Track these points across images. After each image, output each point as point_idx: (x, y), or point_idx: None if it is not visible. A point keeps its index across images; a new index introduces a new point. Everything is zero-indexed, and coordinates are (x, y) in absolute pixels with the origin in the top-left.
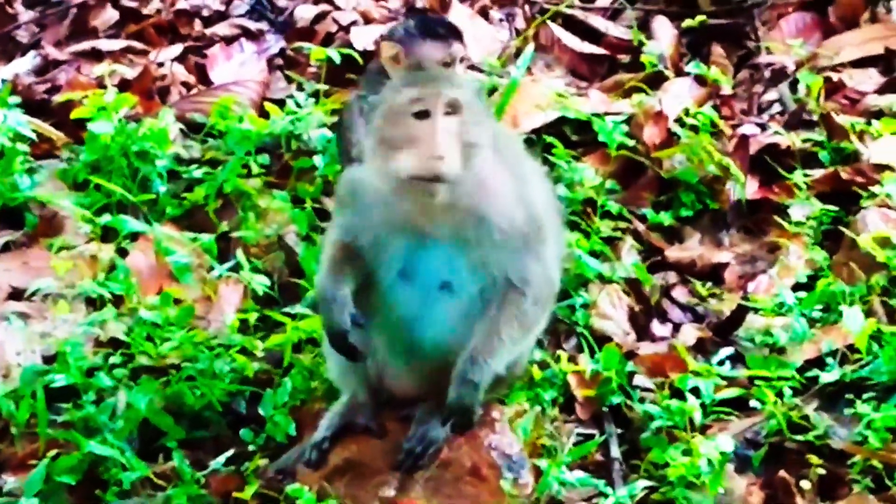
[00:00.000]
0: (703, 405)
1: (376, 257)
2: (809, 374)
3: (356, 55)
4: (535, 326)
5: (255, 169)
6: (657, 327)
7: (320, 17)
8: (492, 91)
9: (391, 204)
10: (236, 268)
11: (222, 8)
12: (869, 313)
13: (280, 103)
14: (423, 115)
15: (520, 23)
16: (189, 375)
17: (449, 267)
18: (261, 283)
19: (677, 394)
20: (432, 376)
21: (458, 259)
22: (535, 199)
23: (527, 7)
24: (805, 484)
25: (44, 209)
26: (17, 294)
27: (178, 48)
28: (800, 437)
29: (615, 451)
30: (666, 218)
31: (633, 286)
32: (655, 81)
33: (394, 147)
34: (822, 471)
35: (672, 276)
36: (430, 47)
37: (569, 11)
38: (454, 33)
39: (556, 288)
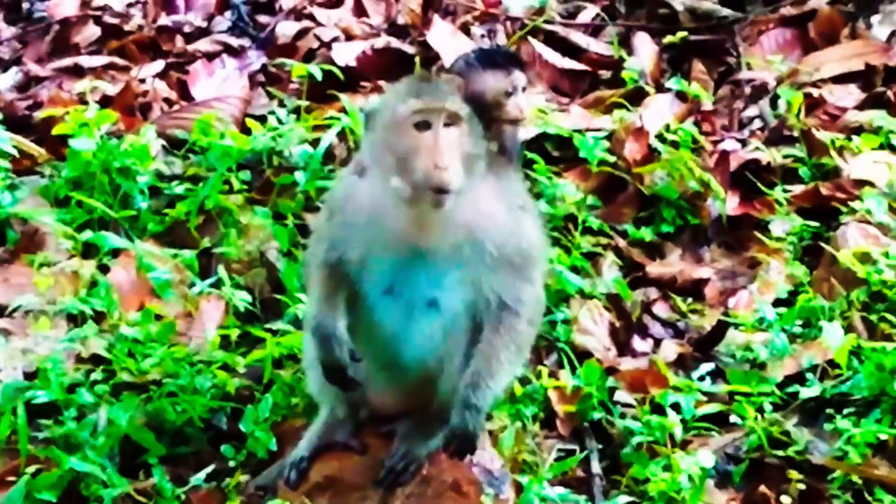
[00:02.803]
0: (683, 420)
1: (364, 273)
2: (790, 389)
3: (338, 71)
4: (528, 346)
5: (237, 185)
6: (638, 343)
7: (302, 34)
8: None
9: (385, 218)
10: (217, 284)
11: (204, 24)
12: (849, 329)
13: (261, 119)
14: (424, 126)
15: (501, 39)
16: (170, 391)
17: (437, 284)
18: (242, 299)
19: (658, 409)
20: (415, 393)
21: (447, 276)
22: (527, 220)
23: (508, 23)
24: (785, 499)
25: (25, 225)
26: None
27: (159, 64)
28: (780, 453)
29: (596, 467)
30: (647, 233)
31: (613, 302)
32: (636, 97)
33: (397, 158)
34: (802, 486)
35: (653, 292)
36: (490, 77)
37: (550, 27)
38: (514, 62)
39: (544, 307)
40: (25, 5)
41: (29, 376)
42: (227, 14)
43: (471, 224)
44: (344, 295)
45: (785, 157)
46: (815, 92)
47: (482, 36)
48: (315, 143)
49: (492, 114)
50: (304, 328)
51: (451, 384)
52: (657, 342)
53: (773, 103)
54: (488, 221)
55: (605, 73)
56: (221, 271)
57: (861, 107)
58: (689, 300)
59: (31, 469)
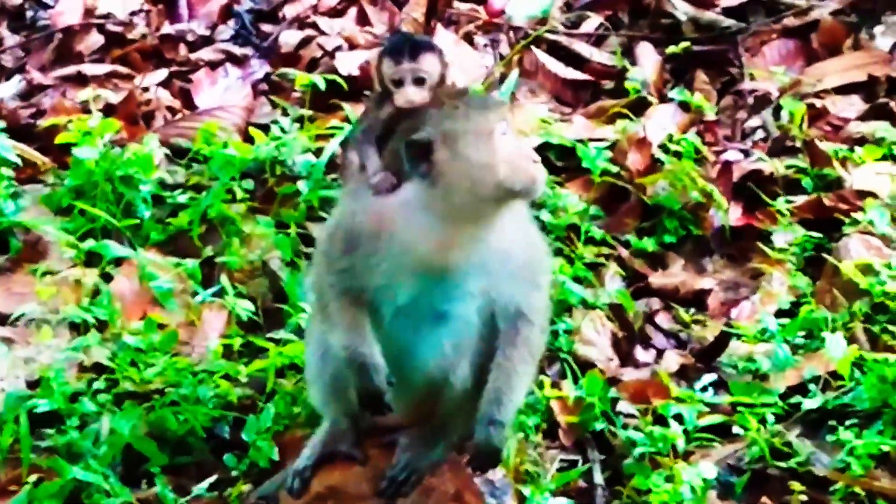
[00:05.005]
0: (685, 431)
1: (382, 294)
2: (792, 400)
3: (341, 80)
4: (540, 355)
5: (240, 194)
6: (640, 353)
7: (305, 43)
8: None
9: (411, 241)
10: (220, 293)
11: (207, 33)
12: (851, 340)
13: (265, 128)
14: (505, 134)
15: (504, 48)
16: (173, 401)
17: (450, 297)
18: (245, 308)
19: (660, 420)
20: (419, 405)
21: (462, 289)
22: (532, 227)
23: (511, 33)
24: None
25: (28, 234)
26: (1, 319)
27: (163, 73)
28: (782, 464)
29: (598, 478)
30: (649, 244)
31: (616, 312)
32: (639, 107)
33: (486, 167)
34: (804, 497)
35: (655, 303)
36: (385, 64)
37: (553, 37)
38: (413, 51)
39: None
40: (29, 13)
41: (31, 385)
42: (231, 23)
43: (490, 236)
44: (368, 319)
45: (787, 167)
46: (817, 103)
47: (485, 45)
48: (318, 152)
49: (391, 99)
50: (307, 340)
51: (455, 395)
52: (659, 353)
53: (776, 114)
54: (505, 230)
55: (608, 84)
56: (224, 280)
57: (864, 118)
58: (692, 311)
59: (34, 478)
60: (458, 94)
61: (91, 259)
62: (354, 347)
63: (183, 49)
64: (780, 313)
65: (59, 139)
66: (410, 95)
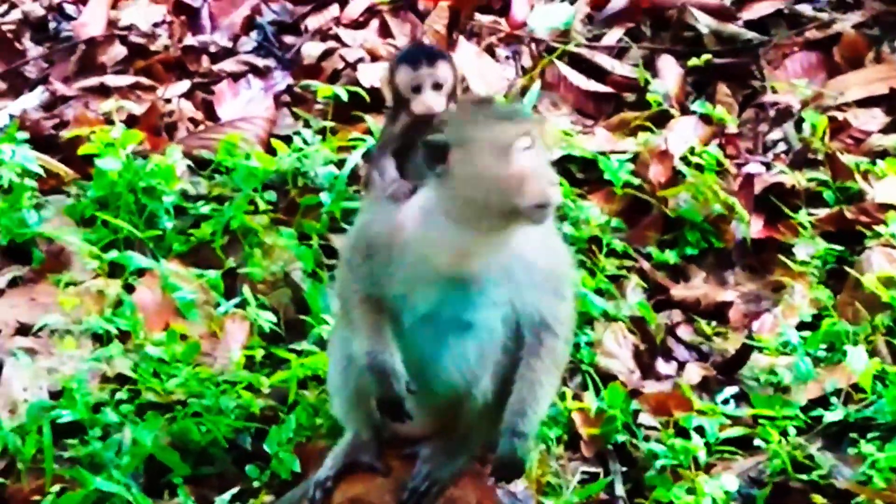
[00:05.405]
0: (707, 444)
1: (404, 303)
2: (814, 413)
3: (363, 92)
4: (564, 365)
5: (262, 205)
6: (662, 366)
7: (327, 54)
8: None
9: (433, 249)
10: (242, 304)
11: (230, 44)
12: (873, 353)
13: (287, 140)
14: (527, 147)
15: (526, 61)
16: (195, 412)
17: (474, 306)
18: (267, 319)
19: (682, 432)
20: (441, 416)
21: (484, 298)
22: (556, 237)
23: (533, 45)
24: None
25: (51, 245)
26: (24, 330)
27: (185, 84)
28: (804, 477)
29: (619, 490)
30: (671, 256)
31: (637, 324)
32: (661, 120)
33: (495, 179)
34: None
35: (677, 315)
36: (402, 71)
37: (575, 50)
38: (430, 59)
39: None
40: (52, 25)
41: (54, 395)
42: (253, 34)
43: (513, 244)
44: (390, 326)
45: (809, 180)
46: (839, 115)
47: (507, 58)
48: (340, 164)
49: (408, 108)
50: (330, 351)
51: (477, 406)
52: (681, 365)
53: (798, 126)
54: (529, 240)
55: (630, 96)
56: (246, 291)
57: (886, 130)
58: (713, 323)
59: (56, 488)
60: (483, 102)
61: (114, 270)
62: (375, 354)
63: (205, 60)
64: (801, 326)
65: (82, 150)
66: (429, 101)
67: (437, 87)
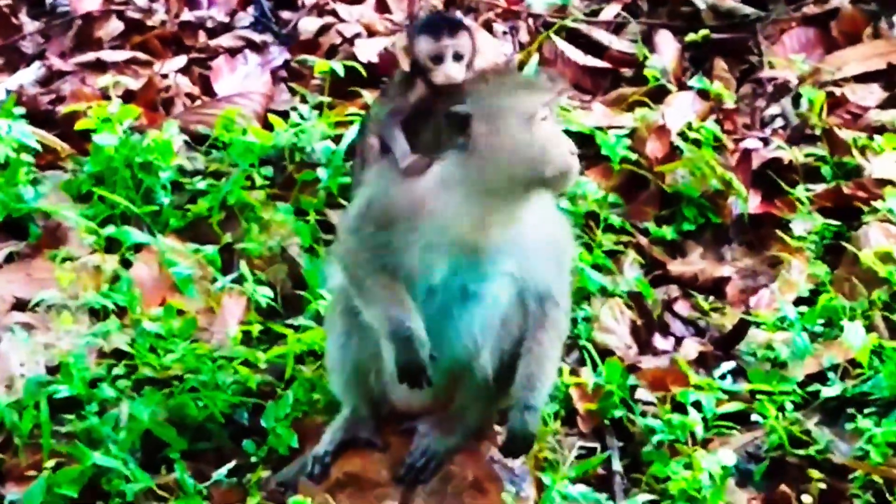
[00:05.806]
0: (704, 419)
1: (414, 273)
2: (811, 388)
3: (360, 67)
4: (565, 338)
5: (259, 181)
6: (659, 341)
7: (324, 30)
8: None
9: (447, 220)
10: (239, 280)
11: (227, 20)
12: (870, 328)
13: (284, 115)
14: (547, 118)
15: (523, 36)
16: (192, 387)
17: (481, 277)
18: (264, 294)
19: (679, 408)
20: (440, 391)
21: (493, 269)
22: (560, 212)
23: (530, 20)
24: (806, 498)
25: (48, 220)
26: (20, 305)
27: (182, 60)
28: (801, 452)
29: (617, 465)
30: (668, 232)
31: (635, 300)
32: (658, 95)
33: (521, 148)
34: (823, 485)
35: (674, 290)
36: (422, 41)
37: (572, 25)
38: (451, 28)
39: None
40: (49, 0)
41: (51, 371)
42: (250, 10)
43: (523, 217)
44: (409, 294)
45: (807, 156)
46: (837, 91)
47: (504, 33)
48: (337, 139)
49: (426, 78)
50: (327, 327)
51: (476, 381)
52: (678, 340)
53: (795, 102)
54: (535, 213)
55: (627, 71)
56: (243, 267)
57: (883, 106)
58: (711, 299)
59: (53, 463)
60: (505, 71)
61: (111, 245)
62: (400, 320)
63: (202, 36)
64: (798, 301)
65: (79, 125)
66: (451, 71)
67: (458, 57)
